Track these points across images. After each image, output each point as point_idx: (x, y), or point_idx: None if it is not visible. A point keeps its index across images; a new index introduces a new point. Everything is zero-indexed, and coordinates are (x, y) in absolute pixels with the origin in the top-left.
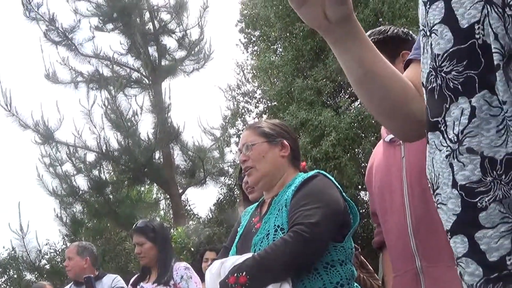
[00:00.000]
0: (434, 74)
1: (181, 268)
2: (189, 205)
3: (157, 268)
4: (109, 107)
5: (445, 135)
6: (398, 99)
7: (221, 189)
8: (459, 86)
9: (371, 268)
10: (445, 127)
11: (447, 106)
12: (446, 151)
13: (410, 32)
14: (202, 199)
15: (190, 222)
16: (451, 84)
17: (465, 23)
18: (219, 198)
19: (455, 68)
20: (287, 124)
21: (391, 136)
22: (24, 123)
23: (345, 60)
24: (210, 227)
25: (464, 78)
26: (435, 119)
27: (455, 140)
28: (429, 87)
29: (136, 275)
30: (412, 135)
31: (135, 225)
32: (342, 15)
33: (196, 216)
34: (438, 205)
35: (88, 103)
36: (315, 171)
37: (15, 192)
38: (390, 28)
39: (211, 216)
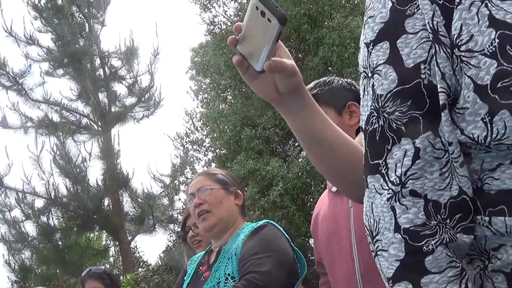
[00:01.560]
0: (376, 115)
1: None
2: (138, 252)
3: None
4: (58, 153)
5: (386, 178)
6: (347, 164)
7: (170, 237)
8: (403, 127)
9: None
10: (386, 170)
11: (389, 147)
12: (388, 194)
13: (354, 82)
14: (151, 246)
15: (140, 269)
16: (394, 125)
17: (410, 62)
18: (168, 246)
19: (398, 109)
20: (235, 174)
21: None
22: None
23: (296, 129)
24: (159, 274)
25: (408, 118)
26: (375, 162)
27: (397, 182)
28: (369, 129)
29: None
30: (362, 197)
31: (89, 269)
32: (291, 88)
33: (145, 263)
34: (378, 252)
35: (37, 148)
36: (264, 221)
37: None
38: (334, 79)
39: (160, 264)
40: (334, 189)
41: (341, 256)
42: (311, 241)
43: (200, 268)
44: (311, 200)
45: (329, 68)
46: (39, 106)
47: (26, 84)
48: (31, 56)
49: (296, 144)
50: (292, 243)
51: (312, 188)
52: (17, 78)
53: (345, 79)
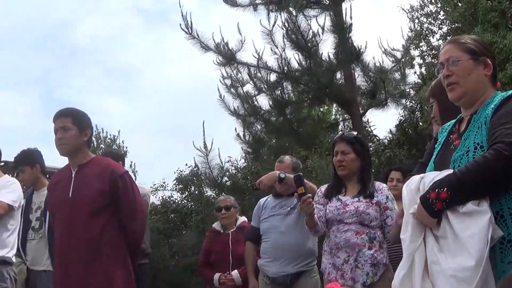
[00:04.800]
0: None
1: (384, 188)
2: (370, 127)
3: (357, 181)
4: (289, 28)
5: None
6: None
7: (403, 111)
8: None
9: None
10: None
11: None
12: None
13: None
14: (382, 121)
15: (370, 144)
16: None
17: None
18: (400, 120)
19: None
20: None
21: None
22: (205, 45)
23: None
24: (390, 148)
25: None
26: None
27: None
28: None
29: (326, 185)
30: None
31: (341, 133)
32: None
33: (376, 137)
34: None
35: (269, 24)
36: None
37: (199, 111)
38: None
39: (391, 138)
40: None
41: None
42: None
43: (451, 136)
44: None
45: None
46: None
47: None
48: None
49: None
50: None
51: None
52: None
53: None
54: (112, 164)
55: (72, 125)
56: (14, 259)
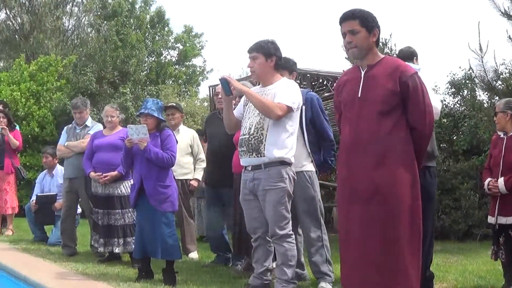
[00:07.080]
0: None
1: None
2: None
3: None
4: None
5: None
6: None
7: None
8: None
9: None
10: None
11: None
12: None
13: None
14: None
15: None
16: None
17: None
18: None
19: None
20: None
21: None
22: None
23: None
24: None
25: None
26: None
27: None
28: None
29: None
30: None
31: None
32: None
33: None
34: None
35: None
36: None
37: (471, 10)
38: None
39: None
40: None
41: None
42: None
43: None
44: None
45: None
46: None
47: None
48: None
49: None
50: None
51: None
52: None
53: None
54: (402, 65)
55: (360, 27)
56: (293, 160)
